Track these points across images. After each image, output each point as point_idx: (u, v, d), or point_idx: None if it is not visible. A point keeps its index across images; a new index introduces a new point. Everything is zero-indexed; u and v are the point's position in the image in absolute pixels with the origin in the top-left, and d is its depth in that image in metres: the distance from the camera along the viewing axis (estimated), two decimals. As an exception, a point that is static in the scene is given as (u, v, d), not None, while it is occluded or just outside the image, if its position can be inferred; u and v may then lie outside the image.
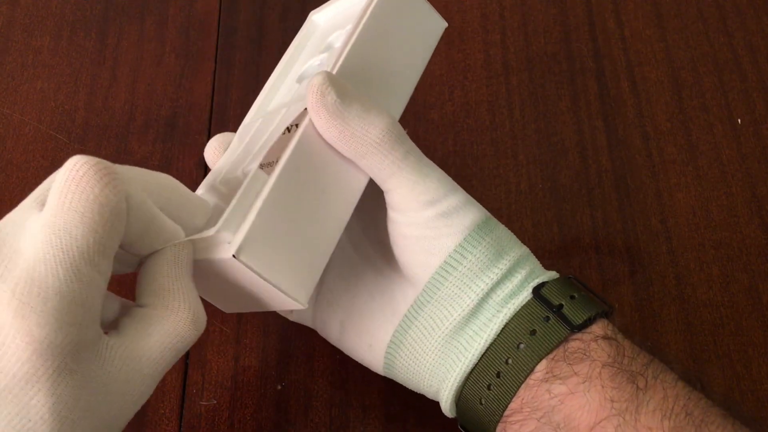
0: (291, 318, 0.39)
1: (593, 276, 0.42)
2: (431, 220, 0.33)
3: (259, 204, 0.30)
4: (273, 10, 0.53)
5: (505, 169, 0.46)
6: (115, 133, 0.48)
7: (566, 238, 0.44)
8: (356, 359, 0.37)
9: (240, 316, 0.42)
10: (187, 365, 0.41)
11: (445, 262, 0.33)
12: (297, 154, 0.31)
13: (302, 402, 0.39)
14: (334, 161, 0.32)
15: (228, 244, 0.30)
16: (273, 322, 0.41)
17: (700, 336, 0.41)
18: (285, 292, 0.30)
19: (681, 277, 0.42)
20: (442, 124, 0.48)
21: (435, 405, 0.35)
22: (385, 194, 0.34)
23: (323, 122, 0.32)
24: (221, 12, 0.53)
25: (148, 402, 0.39)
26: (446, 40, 0.51)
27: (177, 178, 0.46)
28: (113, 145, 0.48)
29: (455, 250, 0.33)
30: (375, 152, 0.32)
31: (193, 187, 0.46)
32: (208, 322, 0.42)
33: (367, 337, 0.35)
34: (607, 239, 0.44)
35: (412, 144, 0.33)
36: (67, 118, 0.49)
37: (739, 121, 0.47)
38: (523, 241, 0.35)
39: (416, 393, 0.36)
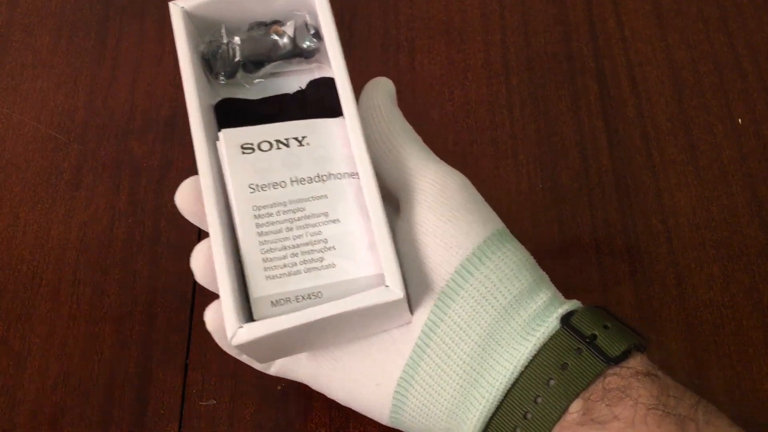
0: (270, 372, 0.34)
1: (593, 276, 0.42)
2: (451, 219, 0.30)
3: (387, 244, 0.29)
4: (273, 10, 0.53)
5: (505, 169, 0.46)
6: (115, 133, 0.48)
7: (566, 238, 0.44)
8: (357, 408, 0.32)
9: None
10: (187, 365, 0.41)
11: (460, 265, 0.30)
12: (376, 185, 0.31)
13: (302, 402, 0.39)
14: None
15: (386, 288, 0.28)
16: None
17: (701, 336, 0.41)
18: (409, 304, 0.30)
19: (681, 277, 0.42)
20: (442, 124, 0.48)
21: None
22: (405, 194, 0.32)
23: (383, 113, 0.32)
24: (221, 12, 0.53)
25: (148, 402, 0.40)
26: (446, 40, 0.51)
27: (176, 178, 0.46)
28: (113, 145, 0.48)
29: (473, 253, 0.30)
30: (413, 144, 0.32)
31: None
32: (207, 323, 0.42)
33: (373, 374, 0.30)
34: (607, 239, 0.44)
35: None
36: (67, 118, 0.49)
37: (740, 121, 0.47)
38: (523, 242, 0.34)
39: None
